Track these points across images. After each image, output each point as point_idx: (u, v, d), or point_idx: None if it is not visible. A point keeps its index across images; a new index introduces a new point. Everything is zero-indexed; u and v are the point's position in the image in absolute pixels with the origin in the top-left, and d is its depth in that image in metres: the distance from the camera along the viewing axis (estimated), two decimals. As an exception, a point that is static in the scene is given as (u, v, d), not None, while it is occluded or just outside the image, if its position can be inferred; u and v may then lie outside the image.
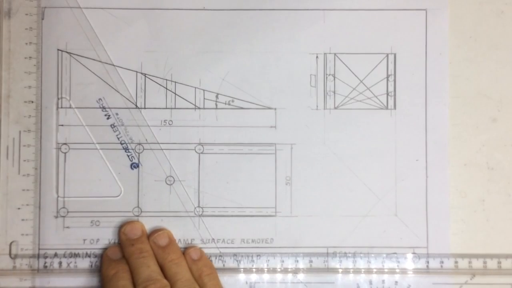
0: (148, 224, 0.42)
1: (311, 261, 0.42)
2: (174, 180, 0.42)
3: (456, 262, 0.42)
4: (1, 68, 0.42)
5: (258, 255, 0.42)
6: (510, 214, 0.43)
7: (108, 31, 0.43)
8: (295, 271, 0.42)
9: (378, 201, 0.43)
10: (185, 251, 0.42)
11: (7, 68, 0.42)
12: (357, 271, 0.42)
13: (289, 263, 0.42)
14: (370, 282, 0.42)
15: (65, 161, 0.42)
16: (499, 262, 0.42)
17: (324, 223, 0.42)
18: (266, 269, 0.42)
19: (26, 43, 0.42)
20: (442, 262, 0.42)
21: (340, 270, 0.42)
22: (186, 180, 0.42)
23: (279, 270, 0.42)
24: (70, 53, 0.42)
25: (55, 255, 0.42)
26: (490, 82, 0.43)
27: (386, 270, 0.42)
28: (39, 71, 0.42)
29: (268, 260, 0.42)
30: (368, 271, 0.42)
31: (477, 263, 0.42)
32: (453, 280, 0.42)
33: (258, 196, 0.43)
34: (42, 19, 0.42)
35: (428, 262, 0.42)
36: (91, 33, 0.42)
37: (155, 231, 0.42)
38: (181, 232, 0.42)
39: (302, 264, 0.42)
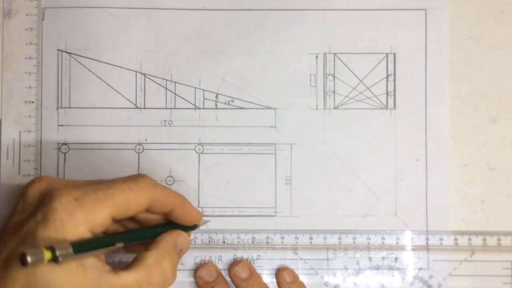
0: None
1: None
2: (174, 180, 0.42)
3: (455, 239, 0.42)
4: (1, 69, 0.42)
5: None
6: (510, 214, 0.43)
7: (108, 31, 0.43)
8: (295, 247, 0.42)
9: (378, 201, 0.43)
10: (278, 272, 0.41)
11: (7, 68, 0.42)
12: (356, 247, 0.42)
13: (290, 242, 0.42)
14: (370, 259, 0.42)
15: (65, 161, 0.42)
16: (498, 240, 0.42)
17: (324, 223, 0.42)
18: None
19: (27, 44, 0.42)
20: (441, 239, 0.42)
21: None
22: (186, 180, 0.42)
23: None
24: (70, 53, 0.43)
25: (55, 255, 0.42)
26: (490, 82, 0.43)
27: (385, 247, 0.42)
28: (39, 71, 0.42)
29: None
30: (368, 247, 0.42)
31: (477, 240, 0.42)
32: (452, 257, 0.42)
33: (258, 196, 0.43)
34: (42, 19, 0.42)
35: (427, 239, 0.42)
36: (91, 33, 0.43)
37: (235, 263, 0.41)
38: (181, 232, 0.42)
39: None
